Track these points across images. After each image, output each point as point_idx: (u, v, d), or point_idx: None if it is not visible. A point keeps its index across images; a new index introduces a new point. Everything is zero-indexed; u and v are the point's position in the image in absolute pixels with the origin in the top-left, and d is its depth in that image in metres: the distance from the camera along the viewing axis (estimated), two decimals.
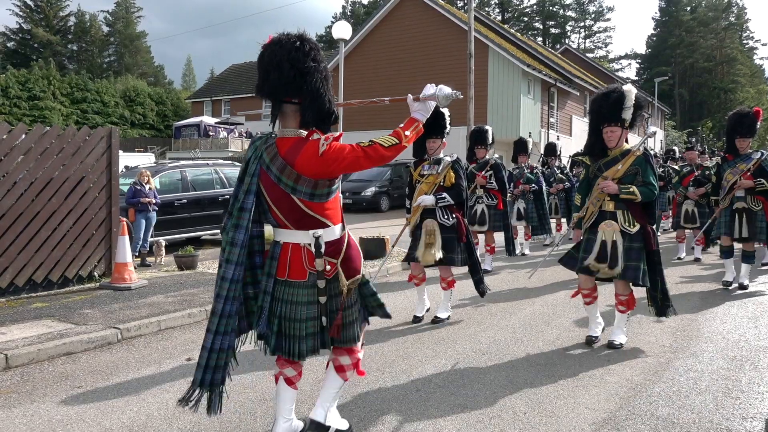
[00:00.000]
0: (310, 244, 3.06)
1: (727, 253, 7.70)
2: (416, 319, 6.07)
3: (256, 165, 3.05)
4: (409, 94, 3.30)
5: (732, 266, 7.71)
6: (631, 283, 5.08)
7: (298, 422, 3.43)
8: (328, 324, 3.15)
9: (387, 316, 3.43)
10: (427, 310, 6.18)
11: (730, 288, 7.62)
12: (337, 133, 3.06)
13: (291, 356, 3.14)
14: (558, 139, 24.76)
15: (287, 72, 2.93)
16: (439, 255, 5.70)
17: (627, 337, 5.29)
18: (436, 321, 6.01)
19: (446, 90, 3.24)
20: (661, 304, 5.21)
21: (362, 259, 3.33)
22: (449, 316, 6.14)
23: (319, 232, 3.04)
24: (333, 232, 3.11)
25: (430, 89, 3.25)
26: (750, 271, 7.72)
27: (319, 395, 3.39)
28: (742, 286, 7.50)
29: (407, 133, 3.10)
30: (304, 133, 3.02)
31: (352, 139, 3.09)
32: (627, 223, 4.93)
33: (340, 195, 3.27)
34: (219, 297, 3.03)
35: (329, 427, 3.32)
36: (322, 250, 3.05)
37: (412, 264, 6.02)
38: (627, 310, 5.19)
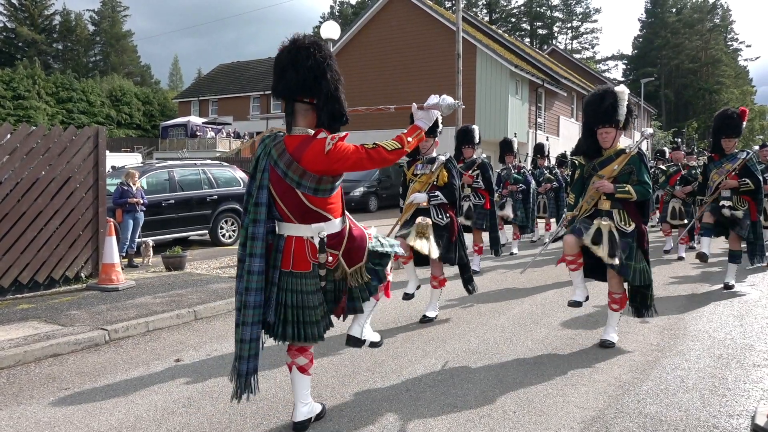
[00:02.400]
0: (312, 238, 3.26)
1: (707, 230, 7.59)
2: (407, 296, 6.02)
3: (266, 161, 3.25)
4: (414, 103, 3.51)
5: (708, 242, 7.58)
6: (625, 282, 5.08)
7: (316, 405, 3.69)
8: (333, 305, 3.42)
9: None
10: (418, 288, 6.13)
11: (707, 262, 7.60)
12: (343, 134, 3.23)
13: (306, 340, 3.32)
14: (547, 139, 24.90)
15: (302, 73, 3.13)
16: (435, 254, 5.68)
17: (618, 336, 5.31)
18: (425, 320, 6.01)
19: (449, 100, 3.43)
20: (640, 303, 5.22)
21: (366, 247, 3.51)
22: (437, 315, 6.14)
23: (323, 229, 3.26)
24: (334, 225, 3.33)
25: (433, 99, 3.46)
26: (737, 272, 7.76)
27: (355, 316, 3.62)
28: (728, 286, 7.53)
29: (410, 139, 3.35)
30: (312, 131, 3.22)
31: (355, 139, 3.21)
32: (623, 222, 4.95)
33: (342, 190, 3.45)
34: (249, 290, 3.22)
35: (365, 340, 3.67)
36: (325, 244, 3.28)
37: (432, 265, 6.00)
38: (619, 309, 5.20)
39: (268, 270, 3.29)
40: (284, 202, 3.24)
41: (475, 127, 8.28)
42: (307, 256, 3.26)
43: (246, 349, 3.23)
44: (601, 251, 4.86)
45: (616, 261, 4.84)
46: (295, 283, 3.28)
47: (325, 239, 3.26)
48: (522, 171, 11.21)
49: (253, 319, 3.22)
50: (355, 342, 3.64)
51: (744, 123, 7.28)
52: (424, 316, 6.05)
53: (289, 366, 3.53)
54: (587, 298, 5.33)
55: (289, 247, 3.27)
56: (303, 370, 3.51)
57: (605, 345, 5.14)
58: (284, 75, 3.17)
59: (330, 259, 3.30)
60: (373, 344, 3.78)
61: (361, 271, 3.45)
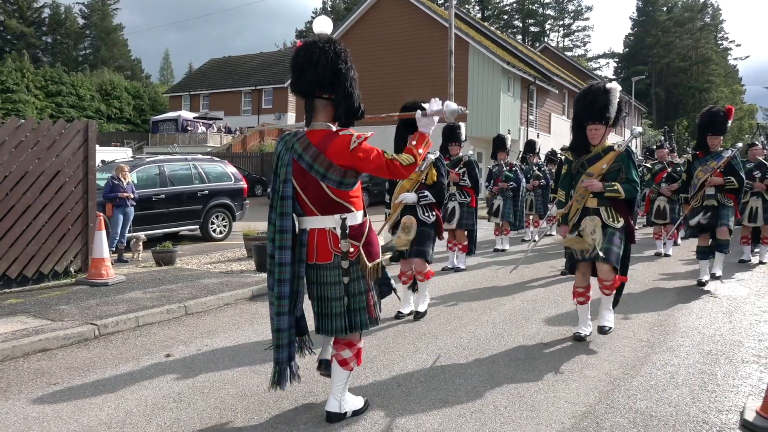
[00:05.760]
0: (334, 228, 3.33)
1: (703, 253, 7.69)
2: (399, 315, 6.04)
3: (288, 155, 3.33)
4: (418, 111, 3.52)
5: (707, 267, 7.70)
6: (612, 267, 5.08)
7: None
8: (353, 305, 3.39)
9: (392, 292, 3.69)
10: (410, 313, 6.12)
11: (705, 288, 7.69)
12: (369, 133, 3.33)
13: (327, 333, 3.45)
14: (538, 136, 24.95)
15: (321, 70, 3.24)
16: (409, 242, 5.71)
17: (614, 319, 5.31)
18: (418, 317, 6.00)
19: (452, 106, 3.46)
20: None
21: (380, 246, 3.58)
22: (426, 311, 6.13)
23: (345, 214, 3.33)
24: (356, 217, 3.41)
25: (435, 105, 3.48)
26: (723, 261, 7.76)
27: (331, 389, 3.61)
28: (715, 277, 7.58)
29: (420, 150, 3.44)
30: (332, 126, 3.33)
31: (358, 129, 3.29)
32: (611, 219, 4.99)
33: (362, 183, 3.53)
34: (282, 281, 3.33)
35: (346, 413, 3.57)
36: (347, 231, 3.34)
37: (402, 262, 6.01)
38: (611, 291, 5.20)
39: (294, 263, 3.37)
40: (307, 195, 3.33)
41: (462, 125, 8.21)
42: (329, 246, 3.34)
43: (284, 338, 3.37)
44: (597, 243, 4.92)
45: (600, 249, 4.90)
46: (318, 275, 3.40)
47: (348, 225, 3.33)
48: (513, 169, 11.21)
49: (283, 309, 3.34)
50: (335, 417, 3.52)
51: (730, 121, 7.29)
52: (416, 312, 6.04)
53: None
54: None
55: (312, 240, 3.37)
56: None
57: (603, 331, 5.15)
58: (303, 73, 3.27)
59: (351, 249, 3.35)
60: (357, 412, 3.62)
61: (379, 267, 3.48)
